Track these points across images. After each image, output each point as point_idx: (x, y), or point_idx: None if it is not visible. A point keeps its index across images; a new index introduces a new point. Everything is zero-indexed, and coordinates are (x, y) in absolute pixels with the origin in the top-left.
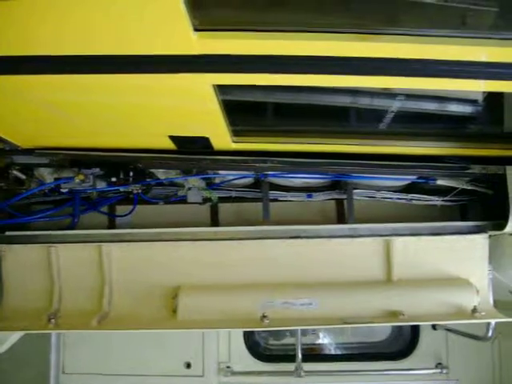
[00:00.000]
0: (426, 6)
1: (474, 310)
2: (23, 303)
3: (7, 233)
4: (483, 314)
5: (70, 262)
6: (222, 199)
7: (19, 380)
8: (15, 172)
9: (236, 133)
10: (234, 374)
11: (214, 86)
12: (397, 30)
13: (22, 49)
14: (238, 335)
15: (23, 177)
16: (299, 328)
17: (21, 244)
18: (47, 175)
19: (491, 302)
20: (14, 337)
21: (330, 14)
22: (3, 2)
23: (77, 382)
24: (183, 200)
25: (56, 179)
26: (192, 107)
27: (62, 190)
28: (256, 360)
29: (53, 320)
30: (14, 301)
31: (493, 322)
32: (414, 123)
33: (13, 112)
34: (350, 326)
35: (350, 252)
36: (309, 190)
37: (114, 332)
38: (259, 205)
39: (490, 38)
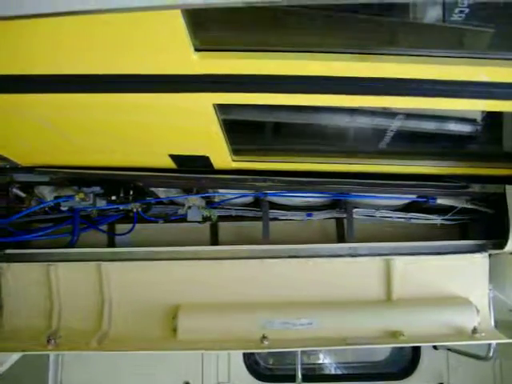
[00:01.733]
0: (424, 26)
1: (475, 331)
2: (22, 322)
3: (7, 251)
4: (483, 334)
5: (70, 281)
6: (222, 218)
7: None
8: (15, 190)
9: (236, 152)
10: None
11: (214, 105)
12: (396, 50)
13: (20, 67)
14: (237, 354)
15: (23, 195)
16: (299, 349)
17: (20, 262)
18: (47, 193)
19: (492, 321)
20: (14, 357)
21: (330, 35)
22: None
23: None
24: (183, 219)
25: (56, 197)
26: (192, 126)
27: (61, 208)
28: (255, 380)
29: (52, 340)
30: (13, 320)
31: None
32: (414, 142)
33: (13, 130)
34: (350, 347)
35: (350, 271)
36: (309, 208)
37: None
38: (259, 224)
39: (488, 58)
